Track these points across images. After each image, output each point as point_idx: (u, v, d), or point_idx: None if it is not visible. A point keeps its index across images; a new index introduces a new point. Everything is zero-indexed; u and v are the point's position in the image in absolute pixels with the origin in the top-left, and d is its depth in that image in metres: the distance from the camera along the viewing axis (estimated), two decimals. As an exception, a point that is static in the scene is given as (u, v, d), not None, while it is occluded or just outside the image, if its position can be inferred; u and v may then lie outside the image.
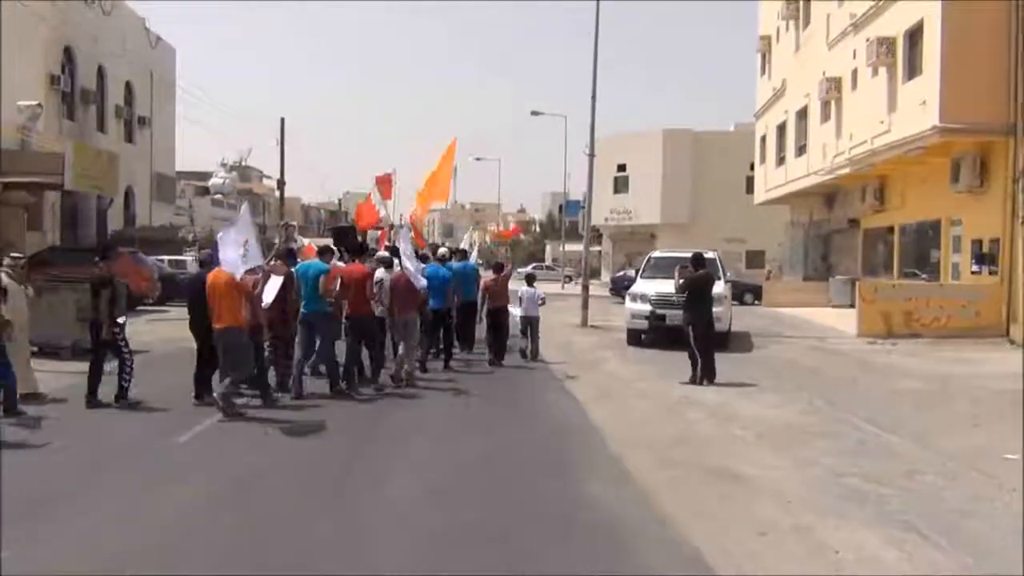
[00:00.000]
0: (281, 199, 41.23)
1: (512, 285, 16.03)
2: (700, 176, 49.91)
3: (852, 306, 28.50)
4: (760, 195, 39.06)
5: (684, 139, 50.66)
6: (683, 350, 16.11)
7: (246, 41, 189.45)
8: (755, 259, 47.74)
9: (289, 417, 9.60)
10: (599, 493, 6.60)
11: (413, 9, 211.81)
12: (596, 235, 64.47)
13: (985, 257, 20.00)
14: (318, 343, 11.16)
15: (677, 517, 6.01)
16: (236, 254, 9.70)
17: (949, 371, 14.04)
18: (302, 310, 11.22)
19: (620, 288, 41.19)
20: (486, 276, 15.56)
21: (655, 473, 7.24)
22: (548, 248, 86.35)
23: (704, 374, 12.33)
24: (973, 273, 20.56)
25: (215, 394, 9.75)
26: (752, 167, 48.39)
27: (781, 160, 34.86)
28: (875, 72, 23.33)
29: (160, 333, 17.49)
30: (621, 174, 52.10)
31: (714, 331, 12.67)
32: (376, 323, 11.96)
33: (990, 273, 19.82)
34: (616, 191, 52.61)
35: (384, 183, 19.35)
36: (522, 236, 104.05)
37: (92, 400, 10.15)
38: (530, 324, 15.41)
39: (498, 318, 14.75)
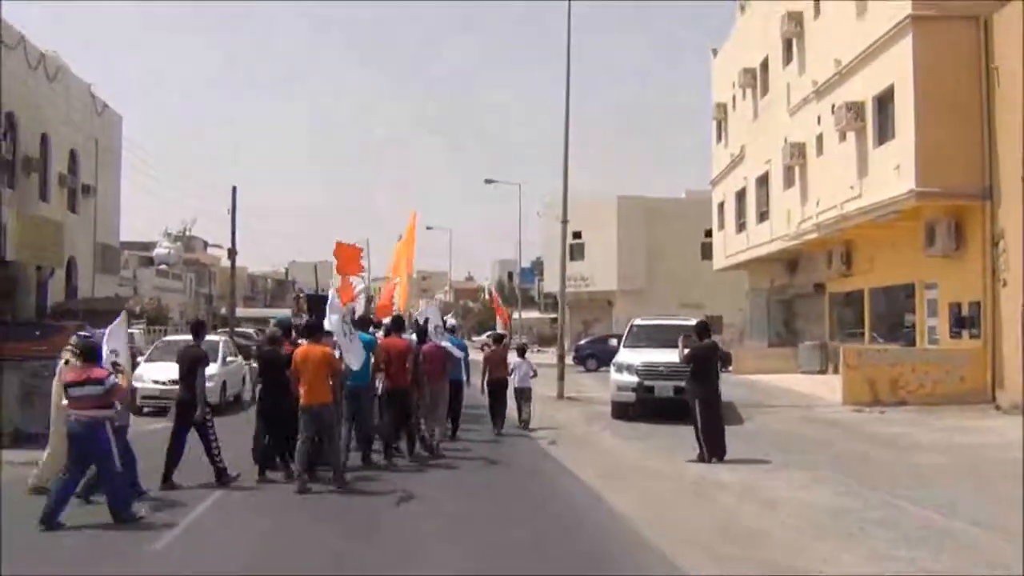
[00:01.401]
0: (232, 268, 39.91)
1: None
2: (655, 243, 49.98)
3: (822, 372, 28.39)
4: (720, 261, 38.99)
5: (638, 206, 50.84)
6: (673, 423, 15.65)
7: (193, 110, 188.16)
8: (713, 325, 47.61)
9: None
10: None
11: (355, 69, 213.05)
12: (552, 302, 64.08)
13: (965, 320, 19.77)
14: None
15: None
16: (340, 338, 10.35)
17: (960, 442, 13.50)
18: (348, 382, 10.95)
19: (583, 356, 40.74)
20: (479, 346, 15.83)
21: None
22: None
23: (713, 451, 11.56)
24: (952, 337, 20.31)
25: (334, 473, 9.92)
26: (707, 233, 48.84)
27: (742, 226, 34.85)
28: (843, 137, 23.35)
29: None
30: (576, 241, 51.77)
31: (720, 405, 11.92)
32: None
33: (971, 337, 19.57)
34: (572, 258, 52.19)
35: (352, 259, 19.20)
36: (471, 304, 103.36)
37: (167, 483, 9.71)
38: (522, 395, 15.85)
39: (498, 388, 15.26)
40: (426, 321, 13.52)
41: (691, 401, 11.82)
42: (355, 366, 10.68)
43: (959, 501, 8.84)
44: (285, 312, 70.11)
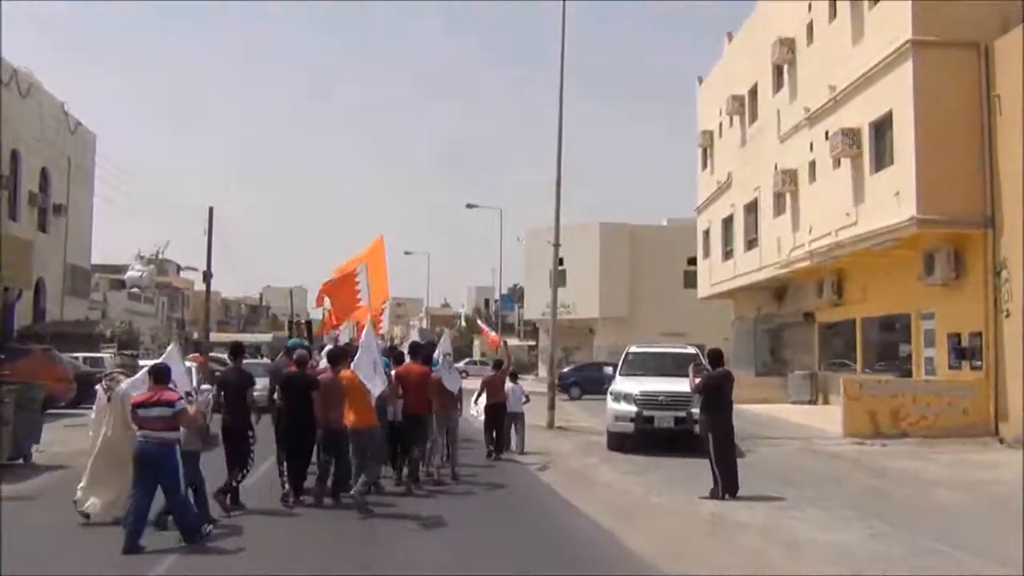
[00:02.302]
0: (207, 292, 38.89)
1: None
2: (638, 270, 49.60)
3: (812, 402, 27.90)
4: (704, 289, 38.55)
5: (621, 233, 50.45)
6: (670, 455, 15.00)
7: (168, 131, 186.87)
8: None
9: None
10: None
11: (329, 97, 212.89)
12: (532, 329, 63.42)
13: (965, 351, 19.33)
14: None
15: None
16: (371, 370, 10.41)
17: (972, 477, 12.93)
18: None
19: (566, 384, 39.92)
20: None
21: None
22: (476, 343, 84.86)
23: (727, 487, 10.89)
24: (952, 368, 19.86)
25: (353, 492, 9.85)
26: (690, 261, 48.48)
27: (728, 254, 34.45)
28: (837, 164, 23.00)
29: (78, 444, 14.79)
30: (559, 268, 51.25)
31: (733, 438, 11.26)
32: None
33: (972, 368, 19.12)
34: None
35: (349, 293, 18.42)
36: (447, 330, 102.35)
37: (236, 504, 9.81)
38: (515, 420, 15.97)
39: (498, 413, 15.40)
40: (407, 346, 13.28)
41: (704, 434, 11.17)
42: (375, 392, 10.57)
43: (997, 545, 8.22)
44: (264, 337, 68.88)
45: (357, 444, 10.13)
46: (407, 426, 11.54)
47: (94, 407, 9.50)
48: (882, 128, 20.78)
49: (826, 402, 27.04)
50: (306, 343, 14.55)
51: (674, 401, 15.26)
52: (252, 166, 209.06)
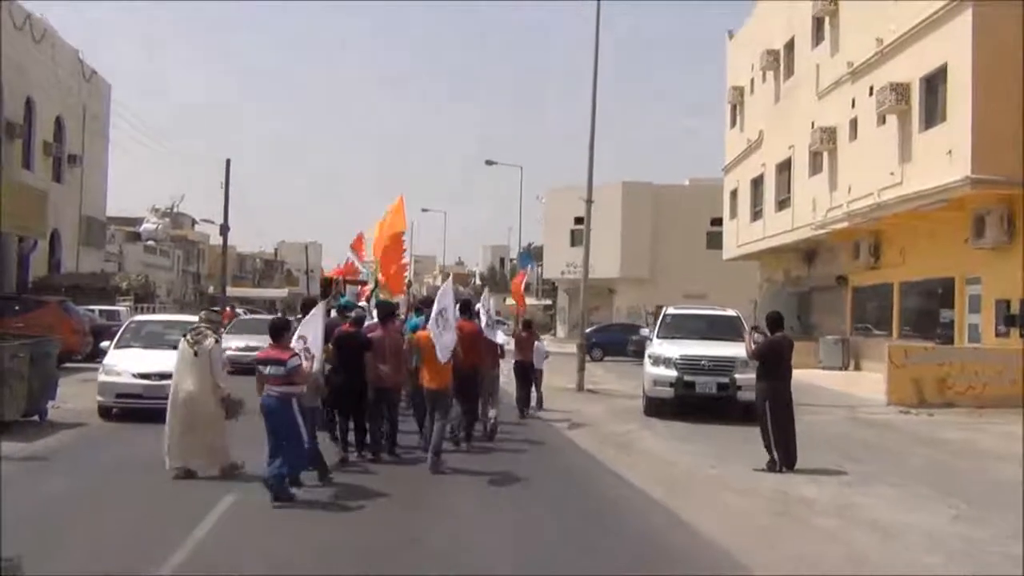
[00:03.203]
0: (224, 245, 38.18)
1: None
2: (660, 230, 48.65)
3: (843, 368, 27.15)
4: (731, 251, 37.66)
5: (644, 192, 49.41)
6: (711, 423, 14.35)
7: (184, 80, 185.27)
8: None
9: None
10: None
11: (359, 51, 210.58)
12: (551, 289, 62.72)
13: (1015, 319, 18.52)
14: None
15: None
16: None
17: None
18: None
19: (588, 346, 39.20)
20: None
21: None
22: (492, 302, 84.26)
23: (785, 460, 10.21)
24: (999, 336, 19.06)
25: (431, 452, 10.02)
26: (713, 222, 47.50)
27: (757, 215, 33.53)
28: (882, 120, 22.03)
29: (93, 400, 14.17)
30: (578, 227, 50.30)
31: (792, 408, 10.55)
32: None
33: (1021, 336, 18.32)
34: (573, 244, 50.82)
35: (358, 246, 20.19)
36: (462, 288, 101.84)
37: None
38: (536, 377, 15.98)
39: (526, 372, 15.53)
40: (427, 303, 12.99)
41: (760, 403, 10.45)
42: (443, 359, 10.25)
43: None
44: (279, 292, 68.40)
45: (433, 405, 10.35)
46: (459, 384, 11.13)
47: (176, 361, 9.39)
48: (934, 83, 19.78)
49: (857, 368, 26.33)
50: (355, 303, 14.31)
51: (717, 366, 14.56)
52: (271, 116, 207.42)
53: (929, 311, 22.94)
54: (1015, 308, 18.56)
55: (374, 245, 18.19)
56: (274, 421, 8.45)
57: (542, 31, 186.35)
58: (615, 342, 35.49)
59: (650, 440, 12.78)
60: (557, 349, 37.58)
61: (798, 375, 24.22)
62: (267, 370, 8.47)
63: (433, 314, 10.33)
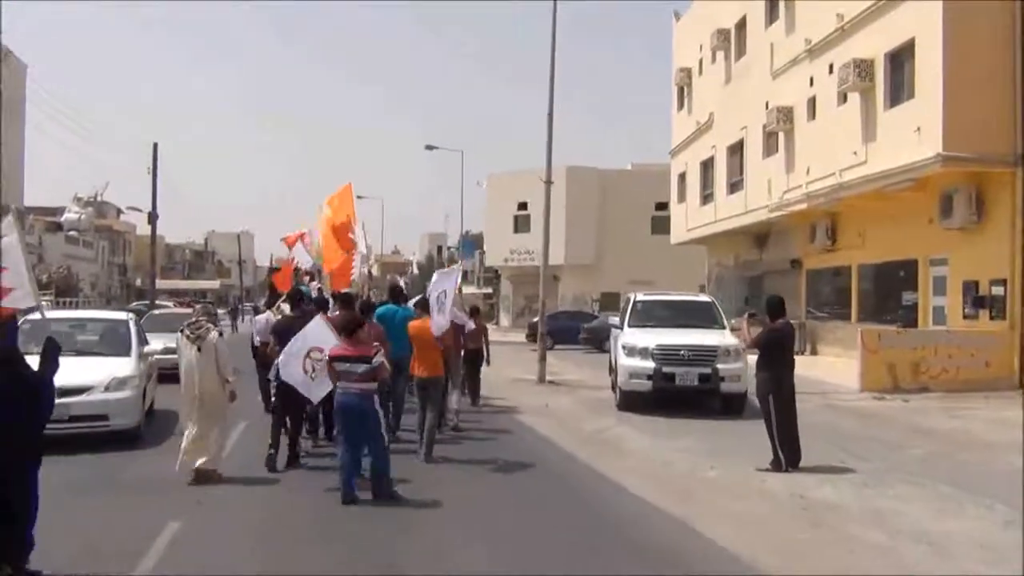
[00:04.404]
0: (153, 235, 36.09)
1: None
2: (605, 216, 47.96)
3: (800, 353, 26.54)
4: (679, 235, 37.04)
5: (588, 177, 48.59)
6: (690, 417, 13.52)
7: (109, 62, 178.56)
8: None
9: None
10: None
11: (291, 32, 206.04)
12: (491, 276, 61.63)
13: (985, 300, 18.11)
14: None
15: None
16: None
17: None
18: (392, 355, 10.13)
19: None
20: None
21: None
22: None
23: (789, 458, 9.38)
24: (967, 318, 18.66)
25: (425, 438, 9.95)
26: (657, 207, 46.99)
27: (707, 198, 32.94)
28: (843, 99, 21.48)
29: None
30: (522, 213, 49.48)
31: (794, 401, 9.71)
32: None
33: (992, 318, 17.93)
34: (516, 230, 49.97)
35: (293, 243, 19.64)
36: (399, 278, 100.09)
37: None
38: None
39: (475, 360, 14.81)
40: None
41: (763, 396, 9.60)
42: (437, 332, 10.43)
43: None
44: (211, 284, 66.09)
45: (425, 394, 10.16)
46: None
47: (181, 360, 8.93)
48: (900, 58, 19.25)
49: (815, 352, 25.90)
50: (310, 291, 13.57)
51: (698, 356, 13.72)
52: (197, 103, 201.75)
53: (890, 294, 22.53)
54: (985, 289, 18.15)
55: (321, 236, 17.22)
56: (356, 420, 8.16)
57: (486, 12, 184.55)
58: (564, 330, 34.70)
59: (634, 438, 11.85)
60: (501, 338, 36.70)
61: (753, 359, 23.73)
62: (347, 367, 8.14)
63: (435, 294, 10.68)
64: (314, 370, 8.64)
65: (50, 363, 5.80)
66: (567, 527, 7.34)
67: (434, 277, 11.87)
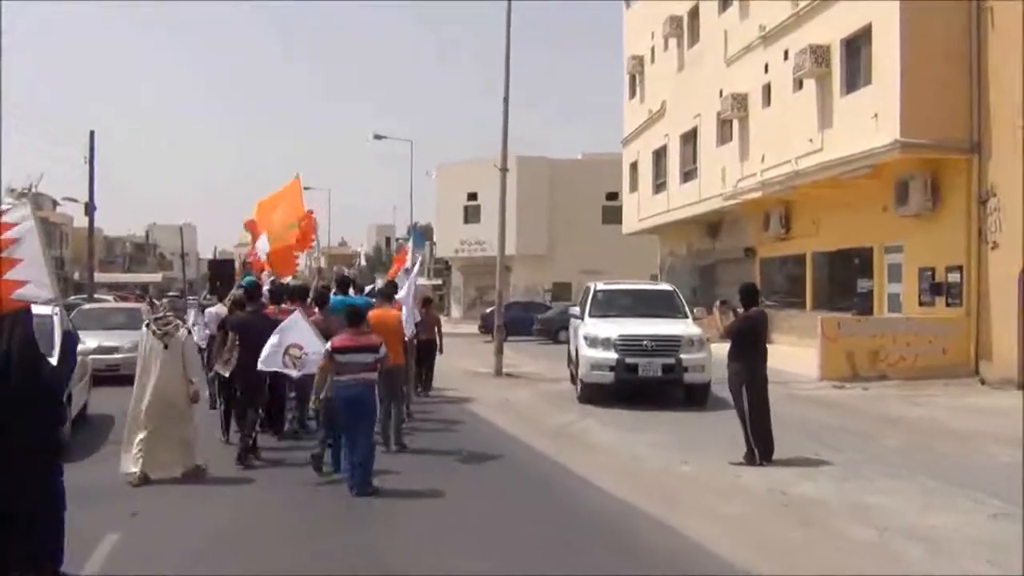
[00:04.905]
0: (90, 227, 34.72)
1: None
2: (555, 206, 47.65)
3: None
4: (631, 225, 36.83)
5: (539, 167, 48.21)
6: (652, 409, 13.18)
7: (44, 47, 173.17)
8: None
9: None
10: None
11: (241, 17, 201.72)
12: (441, 267, 60.98)
13: (941, 287, 18.10)
14: None
15: None
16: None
17: (1008, 428, 11.46)
18: None
19: (489, 325, 37.86)
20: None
21: None
22: (379, 282, 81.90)
23: (765, 452, 9.06)
24: (922, 305, 18.64)
25: (393, 426, 9.84)
26: (608, 197, 46.83)
27: (660, 187, 32.74)
28: (799, 85, 21.34)
29: None
30: (472, 203, 48.95)
31: (767, 392, 9.39)
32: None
33: (948, 305, 17.92)
34: (467, 221, 49.46)
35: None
36: (346, 270, 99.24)
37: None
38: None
39: (429, 351, 14.77)
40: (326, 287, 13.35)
41: (736, 387, 9.26)
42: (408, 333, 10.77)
43: None
44: (153, 277, 64.36)
45: (388, 384, 9.54)
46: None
47: (140, 354, 8.53)
48: (856, 44, 19.11)
49: (769, 341, 25.74)
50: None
51: (661, 346, 13.39)
52: (135, 90, 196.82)
53: (845, 281, 22.50)
54: (941, 276, 18.14)
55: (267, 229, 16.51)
56: (359, 411, 7.99)
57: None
58: (517, 321, 34.32)
59: (599, 432, 11.47)
60: (453, 330, 36.16)
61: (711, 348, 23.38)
62: (353, 358, 7.99)
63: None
64: (295, 366, 8.63)
65: (68, 360, 5.67)
66: (545, 525, 6.93)
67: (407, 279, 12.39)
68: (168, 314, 8.75)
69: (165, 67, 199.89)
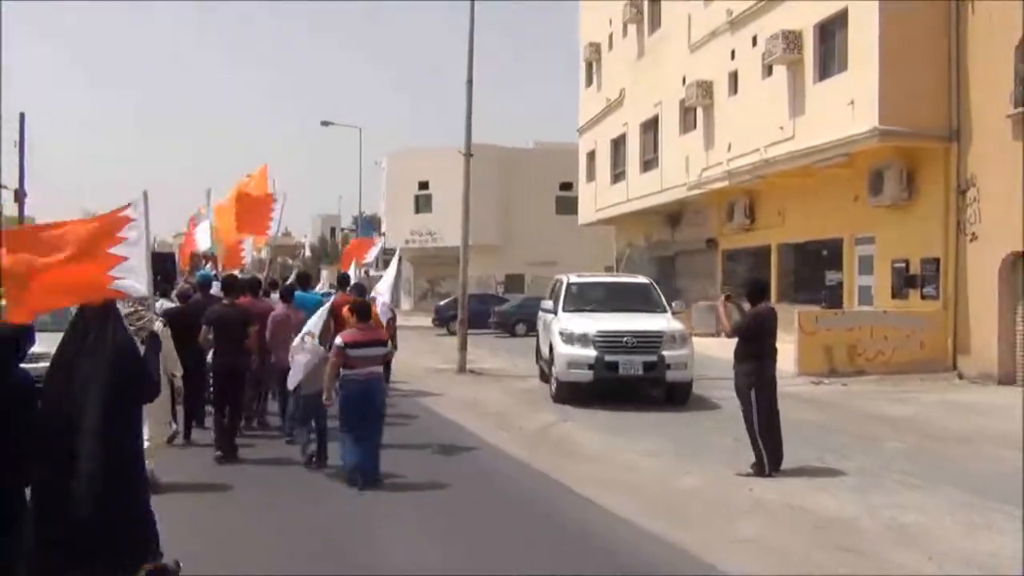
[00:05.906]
0: (20, 214, 32.82)
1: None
2: (508, 196, 46.78)
3: (716, 335, 26.11)
4: (588, 215, 36.10)
5: (490, 155, 47.02)
6: (636, 408, 12.41)
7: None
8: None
9: None
10: None
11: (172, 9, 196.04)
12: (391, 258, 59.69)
13: (916, 279, 17.67)
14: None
15: None
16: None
17: (1005, 428, 10.94)
18: None
19: (445, 318, 36.80)
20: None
21: None
22: (325, 273, 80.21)
23: (774, 461, 8.32)
24: (895, 298, 18.20)
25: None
26: (562, 187, 46.13)
27: (618, 177, 32.07)
28: (768, 72, 20.77)
29: None
30: (423, 192, 47.86)
31: (776, 396, 8.65)
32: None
33: (923, 298, 17.50)
34: (418, 211, 48.34)
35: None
36: (290, 261, 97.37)
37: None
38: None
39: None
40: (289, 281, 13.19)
41: (744, 390, 8.48)
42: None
43: None
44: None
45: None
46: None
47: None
48: (830, 29, 18.58)
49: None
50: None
51: (642, 342, 12.60)
52: (76, 71, 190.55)
53: (812, 274, 22.06)
54: (916, 268, 17.71)
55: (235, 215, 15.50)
56: (370, 404, 8.13)
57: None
58: (472, 313, 33.20)
59: (582, 436, 10.63)
60: (404, 322, 35.03)
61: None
62: (365, 352, 8.05)
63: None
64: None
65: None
66: (522, 539, 6.05)
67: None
68: (139, 308, 7.93)
69: (108, 53, 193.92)
